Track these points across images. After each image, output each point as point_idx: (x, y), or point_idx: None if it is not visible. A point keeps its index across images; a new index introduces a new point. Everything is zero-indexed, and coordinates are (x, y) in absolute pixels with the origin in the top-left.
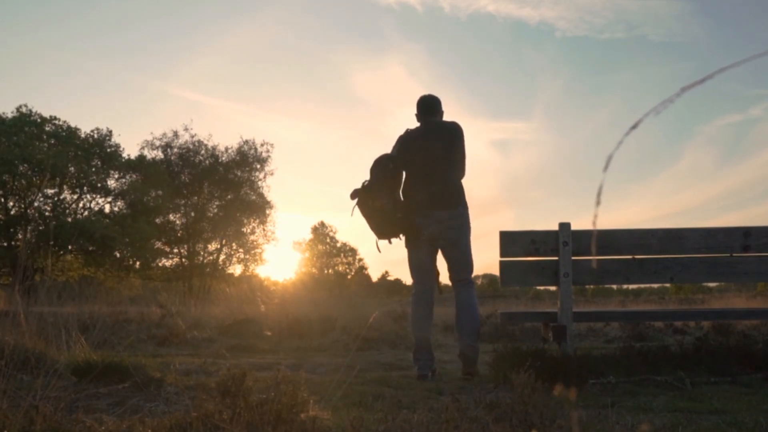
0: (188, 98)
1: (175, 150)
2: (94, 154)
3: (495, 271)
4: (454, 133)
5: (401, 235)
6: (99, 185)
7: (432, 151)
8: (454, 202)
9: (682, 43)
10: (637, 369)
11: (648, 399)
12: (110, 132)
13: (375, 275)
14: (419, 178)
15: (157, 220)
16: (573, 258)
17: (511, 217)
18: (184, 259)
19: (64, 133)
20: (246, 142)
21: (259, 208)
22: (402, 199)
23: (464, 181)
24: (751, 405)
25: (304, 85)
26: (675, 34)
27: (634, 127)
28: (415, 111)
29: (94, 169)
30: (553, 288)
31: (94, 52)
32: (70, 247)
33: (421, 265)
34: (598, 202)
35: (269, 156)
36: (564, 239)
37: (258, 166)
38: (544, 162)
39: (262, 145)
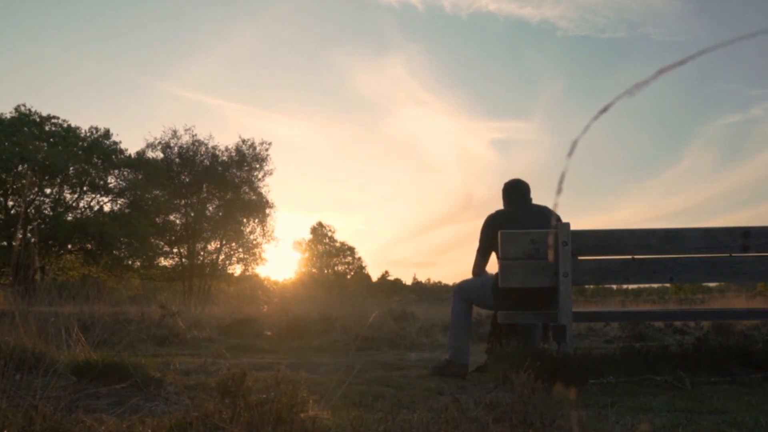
0: (189, 98)
1: (175, 150)
2: (93, 153)
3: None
4: (553, 219)
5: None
6: (100, 183)
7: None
8: None
9: (683, 43)
10: (637, 369)
11: (648, 399)
12: (107, 130)
13: (375, 275)
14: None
15: (157, 220)
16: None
17: None
18: (184, 259)
19: (64, 133)
20: (244, 141)
21: (258, 207)
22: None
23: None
24: (751, 405)
25: (305, 85)
26: (676, 33)
27: (604, 110)
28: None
29: (94, 171)
30: None
31: (94, 52)
32: (69, 246)
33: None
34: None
35: (268, 155)
36: (564, 239)
37: (257, 166)
38: (544, 162)
39: (260, 143)
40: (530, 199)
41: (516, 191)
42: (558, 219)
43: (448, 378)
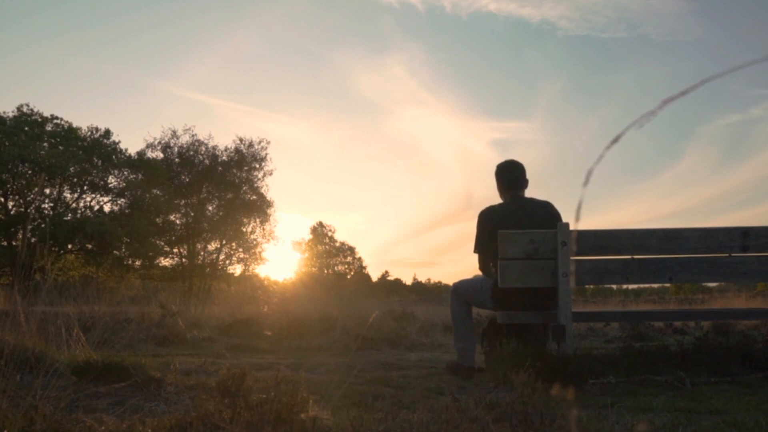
0: (189, 98)
1: (175, 150)
2: (93, 153)
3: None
4: (555, 218)
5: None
6: (100, 183)
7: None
8: None
9: (683, 43)
10: (637, 369)
11: (648, 399)
12: (107, 130)
13: (375, 275)
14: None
15: (158, 220)
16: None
17: None
18: (184, 259)
19: (64, 133)
20: (242, 141)
21: (258, 207)
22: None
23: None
24: (751, 405)
25: (305, 85)
26: (676, 33)
27: (615, 140)
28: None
29: (94, 171)
30: None
31: (95, 53)
32: (70, 246)
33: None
34: None
35: (267, 154)
36: (563, 239)
37: (257, 166)
38: (544, 162)
39: (259, 142)
40: (526, 181)
41: (511, 176)
42: (558, 218)
43: (448, 378)
